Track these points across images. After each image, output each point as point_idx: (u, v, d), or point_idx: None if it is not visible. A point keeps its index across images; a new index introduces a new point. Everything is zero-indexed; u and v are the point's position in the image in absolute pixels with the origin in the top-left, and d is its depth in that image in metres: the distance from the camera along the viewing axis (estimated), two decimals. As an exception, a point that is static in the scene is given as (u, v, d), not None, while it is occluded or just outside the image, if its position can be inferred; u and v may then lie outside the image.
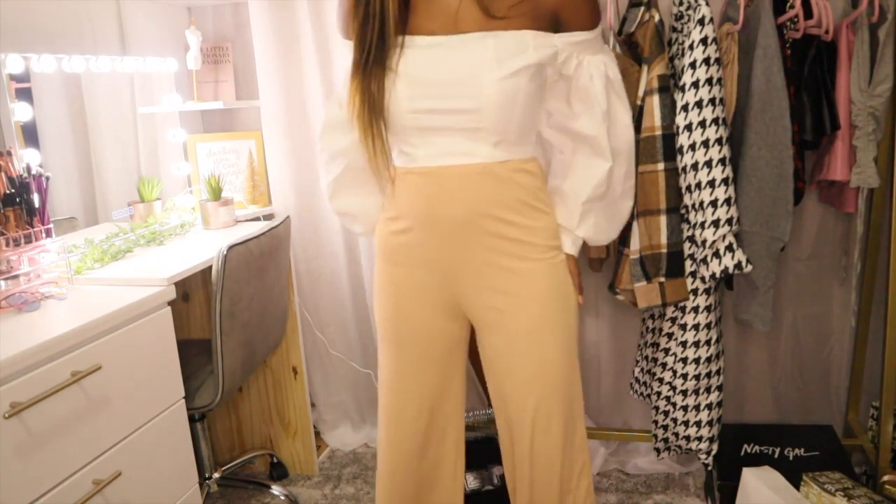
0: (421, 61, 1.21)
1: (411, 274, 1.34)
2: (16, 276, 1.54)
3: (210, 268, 1.73)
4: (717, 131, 1.66)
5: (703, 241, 1.71)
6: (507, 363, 1.32)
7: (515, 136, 1.23)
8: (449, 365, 1.40)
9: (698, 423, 1.90)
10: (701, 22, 1.63)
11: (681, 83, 1.68)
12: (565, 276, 1.32)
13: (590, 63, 1.23)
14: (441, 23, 1.21)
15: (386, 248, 1.37)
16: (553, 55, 1.21)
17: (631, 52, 1.79)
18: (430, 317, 1.35)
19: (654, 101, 1.70)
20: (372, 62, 1.21)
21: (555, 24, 1.21)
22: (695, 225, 1.73)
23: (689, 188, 1.72)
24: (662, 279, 1.77)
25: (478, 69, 1.17)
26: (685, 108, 1.68)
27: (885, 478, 1.78)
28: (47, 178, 1.68)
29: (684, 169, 1.71)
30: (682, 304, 1.83)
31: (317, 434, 2.52)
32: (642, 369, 2.10)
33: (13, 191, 1.60)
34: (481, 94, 1.18)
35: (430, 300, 1.34)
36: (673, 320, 1.88)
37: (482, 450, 2.13)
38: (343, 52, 2.19)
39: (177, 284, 1.63)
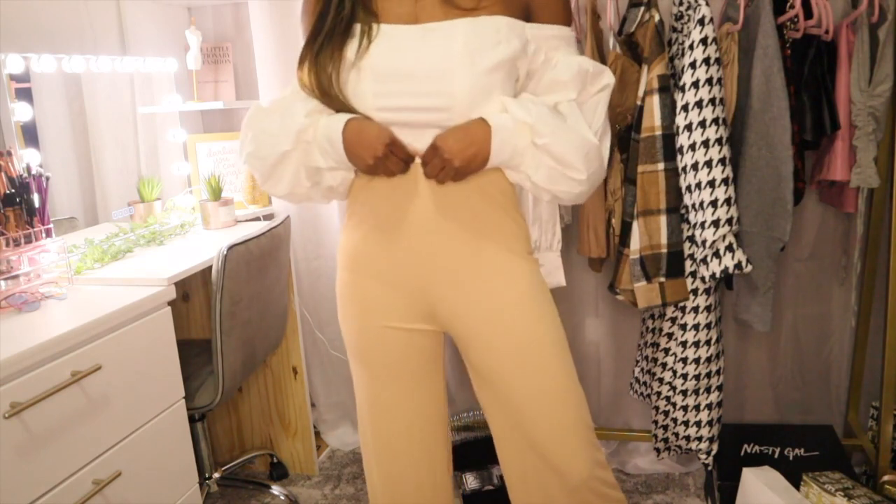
0: (387, 52, 1.10)
1: (379, 285, 1.22)
2: (16, 276, 1.54)
3: (210, 268, 1.73)
4: (717, 131, 1.66)
5: (703, 241, 1.71)
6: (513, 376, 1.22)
7: None
8: (425, 388, 1.29)
9: (698, 423, 1.90)
10: (701, 22, 1.63)
11: (681, 83, 1.68)
12: (541, 277, 1.24)
13: (560, 61, 1.14)
14: (408, 8, 1.12)
15: (349, 256, 1.26)
16: (524, 47, 1.11)
17: (631, 52, 1.79)
18: (404, 332, 1.24)
19: (654, 101, 1.70)
20: (329, 50, 1.11)
21: (526, 14, 1.14)
22: (695, 225, 1.73)
23: (689, 188, 1.72)
24: (662, 279, 1.77)
25: (449, 63, 1.07)
26: (685, 108, 1.68)
27: (885, 478, 1.78)
28: (47, 178, 1.68)
29: (684, 169, 1.71)
30: (682, 304, 1.83)
31: (317, 434, 2.52)
32: (642, 369, 2.10)
33: (13, 191, 1.60)
34: (453, 91, 1.07)
35: (404, 311, 1.22)
36: (673, 320, 1.88)
37: (482, 450, 2.13)
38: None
39: (177, 284, 1.63)
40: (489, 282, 1.19)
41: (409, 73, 1.09)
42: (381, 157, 1.09)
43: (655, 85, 1.70)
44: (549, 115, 1.11)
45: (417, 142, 1.12)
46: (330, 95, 1.13)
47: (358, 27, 1.12)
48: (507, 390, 1.21)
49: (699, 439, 1.91)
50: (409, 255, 1.19)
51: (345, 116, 1.12)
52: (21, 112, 1.74)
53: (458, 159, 1.08)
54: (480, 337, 1.21)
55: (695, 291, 1.81)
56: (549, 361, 1.20)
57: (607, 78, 1.17)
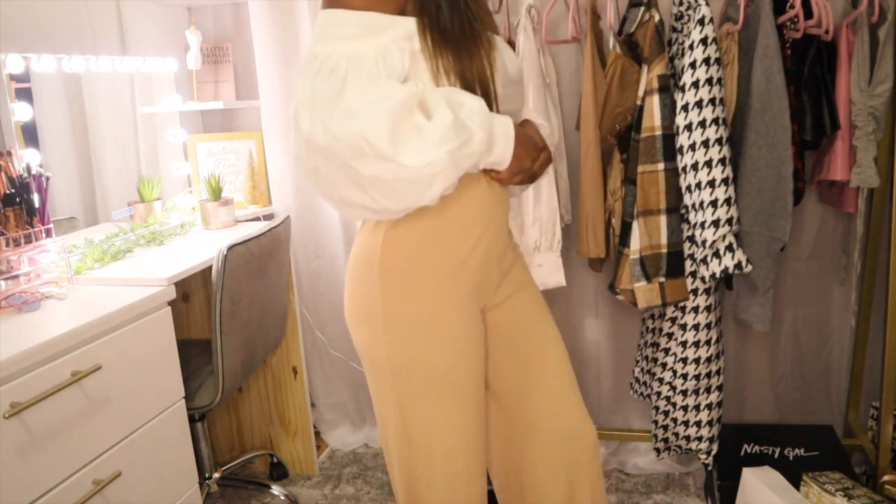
0: (503, 58, 1.13)
1: (471, 299, 1.16)
2: (16, 276, 1.54)
3: (210, 268, 1.73)
4: (717, 131, 1.66)
5: (703, 241, 1.71)
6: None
7: None
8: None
9: (698, 423, 1.90)
10: (701, 22, 1.63)
11: (681, 83, 1.68)
12: None
13: None
14: (483, 17, 1.16)
15: (455, 270, 1.13)
16: None
17: (631, 52, 1.79)
18: (482, 346, 1.20)
19: (654, 101, 1.70)
20: (475, 50, 1.08)
21: None
22: (695, 225, 1.73)
23: (689, 188, 1.72)
24: (662, 279, 1.77)
25: (521, 75, 1.22)
26: (685, 108, 1.68)
27: (885, 478, 1.78)
28: (47, 178, 1.68)
29: (684, 169, 1.71)
30: (682, 304, 1.83)
31: (317, 434, 2.52)
32: (642, 369, 2.10)
33: (13, 191, 1.60)
34: (523, 98, 1.23)
35: (481, 323, 1.20)
36: (673, 320, 1.88)
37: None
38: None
39: (177, 284, 1.63)
40: (515, 267, 1.29)
41: (514, 80, 1.18)
42: (542, 162, 1.17)
43: (655, 85, 1.70)
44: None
45: None
46: (480, 92, 1.08)
47: (480, 29, 1.11)
48: (532, 356, 1.27)
49: (699, 439, 1.91)
50: (494, 258, 1.20)
51: (504, 116, 1.10)
52: (21, 112, 1.74)
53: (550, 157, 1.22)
54: (512, 314, 1.27)
55: (695, 291, 1.81)
56: (553, 331, 1.31)
57: None
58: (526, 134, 1.14)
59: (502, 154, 1.09)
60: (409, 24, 1.04)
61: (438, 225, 1.11)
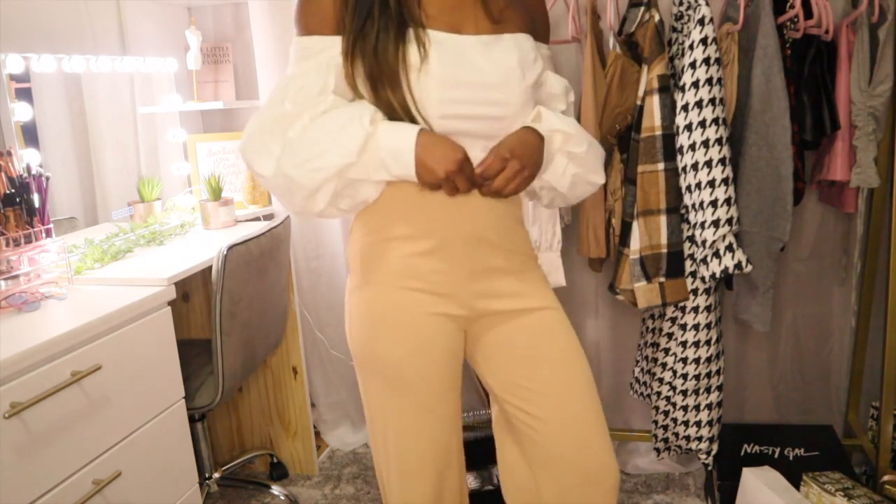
0: (452, 60, 1.08)
1: (427, 301, 1.16)
2: (16, 276, 1.54)
3: (210, 268, 1.73)
4: (717, 131, 1.66)
5: (703, 241, 1.71)
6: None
7: None
8: (456, 405, 1.25)
9: (698, 423, 1.90)
10: (701, 22, 1.63)
11: (681, 83, 1.68)
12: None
13: (549, 76, 1.22)
14: (450, 18, 1.12)
15: (399, 271, 1.16)
16: (544, 63, 1.21)
17: (631, 52, 1.79)
18: (443, 350, 1.20)
19: (654, 101, 1.70)
20: (390, 51, 1.06)
21: (532, 33, 1.20)
22: (695, 225, 1.73)
23: (689, 188, 1.72)
24: (662, 279, 1.77)
25: (509, 76, 1.11)
26: (685, 108, 1.68)
27: (885, 478, 1.78)
28: (47, 178, 1.68)
29: (684, 169, 1.71)
30: (682, 304, 1.83)
31: (317, 434, 2.52)
32: (642, 369, 2.10)
33: (13, 191, 1.60)
34: (510, 102, 1.11)
35: (445, 328, 1.19)
36: (673, 320, 1.88)
37: (482, 450, 2.13)
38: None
39: (177, 284, 1.63)
40: (522, 284, 1.22)
41: (475, 83, 1.10)
42: (454, 172, 1.06)
43: (655, 85, 1.70)
44: (578, 126, 1.19)
45: (468, 151, 1.11)
46: (393, 100, 1.07)
47: (411, 31, 1.08)
48: (540, 391, 1.21)
49: (699, 439, 1.91)
50: (460, 267, 1.16)
51: (411, 127, 1.07)
52: (21, 112, 1.74)
53: (529, 168, 1.11)
54: (515, 340, 1.22)
55: (695, 291, 1.81)
56: (576, 357, 1.24)
57: (572, 94, 1.28)
58: (441, 145, 1.06)
59: (402, 167, 1.05)
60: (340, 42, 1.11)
61: (379, 225, 1.17)
